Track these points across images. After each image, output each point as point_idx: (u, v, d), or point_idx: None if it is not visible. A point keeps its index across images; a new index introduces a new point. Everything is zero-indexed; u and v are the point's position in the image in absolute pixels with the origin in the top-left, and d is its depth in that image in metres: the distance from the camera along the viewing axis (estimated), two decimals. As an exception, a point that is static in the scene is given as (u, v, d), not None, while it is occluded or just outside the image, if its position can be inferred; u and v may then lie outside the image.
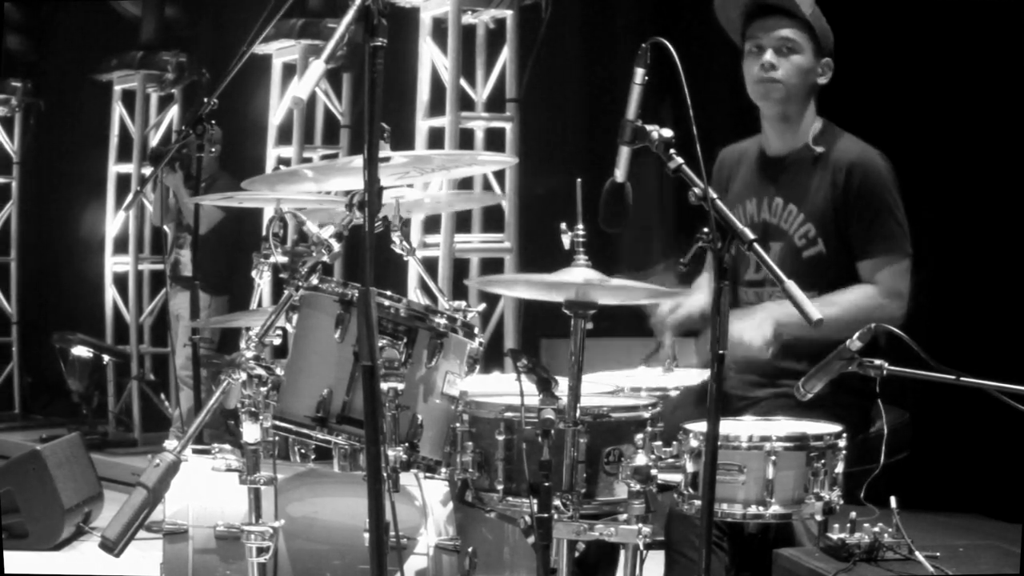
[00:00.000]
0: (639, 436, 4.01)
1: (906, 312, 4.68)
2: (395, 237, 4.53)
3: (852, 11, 6.63)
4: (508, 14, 8.60)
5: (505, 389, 4.15)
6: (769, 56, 4.80)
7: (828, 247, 4.74)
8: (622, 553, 4.15)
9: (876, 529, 4.06)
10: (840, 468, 4.04)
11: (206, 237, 8.65)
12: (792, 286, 3.64)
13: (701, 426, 3.86)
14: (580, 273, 4.02)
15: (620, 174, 3.97)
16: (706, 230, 3.62)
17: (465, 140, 8.55)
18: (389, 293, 4.13)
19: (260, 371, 4.01)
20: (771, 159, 4.94)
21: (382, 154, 4.01)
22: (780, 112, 4.88)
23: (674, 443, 4.09)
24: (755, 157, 5.00)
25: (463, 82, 8.57)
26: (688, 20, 5.05)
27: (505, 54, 8.66)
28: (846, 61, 4.94)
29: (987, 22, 7.01)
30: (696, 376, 4.95)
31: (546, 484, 3.83)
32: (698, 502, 3.93)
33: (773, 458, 3.93)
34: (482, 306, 4.53)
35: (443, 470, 4.21)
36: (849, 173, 4.72)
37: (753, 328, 4.57)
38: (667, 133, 3.83)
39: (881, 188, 4.73)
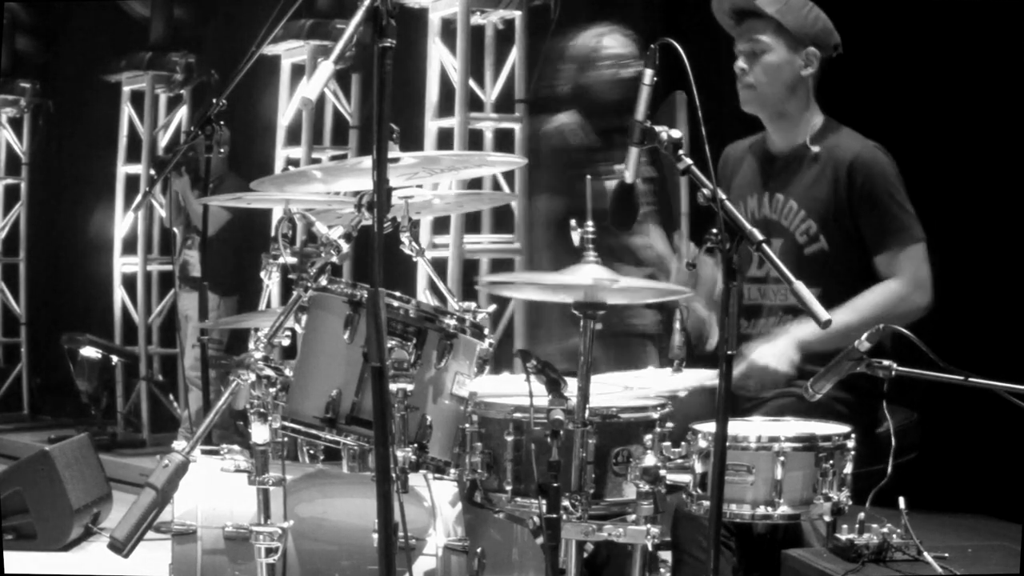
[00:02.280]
0: (648, 437, 4.01)
1: (931, 299, 4.70)
2: (404, 238, 4.53)
3: (854, 9, 6.62)
4: (517, 15, 8.60)
5: (514, 390, 4.15)
6: (740, 62, 4.86)
7: (830, 243, 4.75)
8: (634, 554, 4.14)
9: (885, 530, 4.06)
10: (849, 469, 4.04)
11: (214, 238, 8.67)
12: (800, 287, 3.64)
13: (710, 427, 3.86)
14: (590, 271, 4.02)
15: (629, 175, 3.97)
16: (715, 230, 3.63)
17: (474, 141, 8.55)
18: (398, 294, 4.13)
19: (269, 372, 4.01)
20: (772, 155, 4.96)
21: (391, 155, 4.01)
22: (768, 114, 4.91)
23: (682, 444, 4.09)
24: (758, 154, 5.02)
25: (472, 83, 8.56)
26: (697, 20, 5.05)
27: (514, 55, 8.66)
28: (850, 60, 4.95)
29: (988, 19, 7.00)
30: (705, 377, 4.95)
31: (555, 485, 3.83)
32: (707, 503, 3.93)
33: (782, 459, 3.93)
34: (492, 307, 4.53)
35: (452, 471, 4.21)
36: (851, 171, 4.73)
37: (778, 355, 4.59)
38: (676, 134, 3.83)
39: (884, 182, 4.74)
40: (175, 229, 10.10)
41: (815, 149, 4.80)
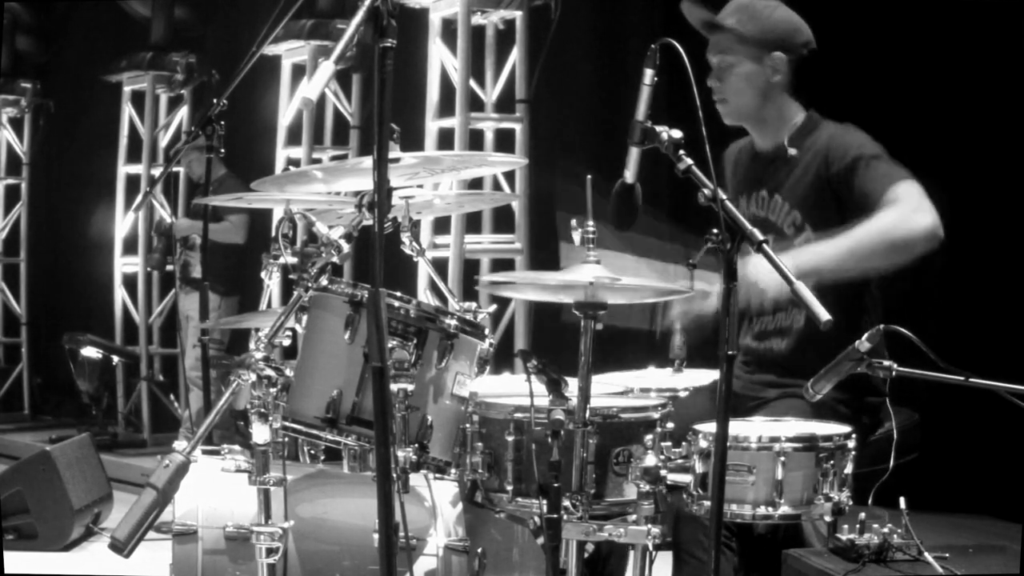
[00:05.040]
0: (648, 437, 4.01)
1: (939, 226, 4.50)
2: (405, 238, 4.53)
3: (856, 10, 6.63)
4: (517, 15, 8.60)
5: (515, 390, 4.15)
6: (712, 77, 4.83)
7: (817, 232, 4.71)
8: (631, 554, 4.14)
9: (885, 530, 4.06)
10: (849, 469, 4.04)
11: (215, 240, 8.70)
12: (801, 286, 3.64)
13: (710, 427, 3.86)
14: (590, 270, 4.02)
15: (630, 175, 3.97)
16: (715, 231, 3.63)
17: (475, 141, 8.55)
18: (399, 294, 4.13)
19: (270, 372, 4.01)
20: (758, 154, 4.95)
21: (392, 155, 4.01)
22: (748, 123, 4.90)
23: (683, 444, 4.09)
24: (748, 153, 5.02)
25: (473, 83, 8.56)
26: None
27: (515, 55, 8.66)
28: (850, 60, 4.93)
29: (987, 21, 7.01)
30: (706, 377, 4.96)
31: (555, 485, 3.83)
32: (707, 503, 3.93)
33: (782, 459, 3.93)
34: (493, 307, 4.53)
35: (452, 471, 4.22)
36: (826, 156, 4.69)
37: (772, 277, 4.48)
38: (676, 134, 3.83)
39: (857, 149, 4.65)
40: (175, 232, 10.12)
41: (792, 152, 4.79)
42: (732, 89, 4.82)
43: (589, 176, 4.13)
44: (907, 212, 4.49)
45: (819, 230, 4.68)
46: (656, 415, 4.13)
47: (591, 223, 4.08)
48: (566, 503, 3.92)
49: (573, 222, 4.10)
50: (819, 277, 4.36)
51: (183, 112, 11.50)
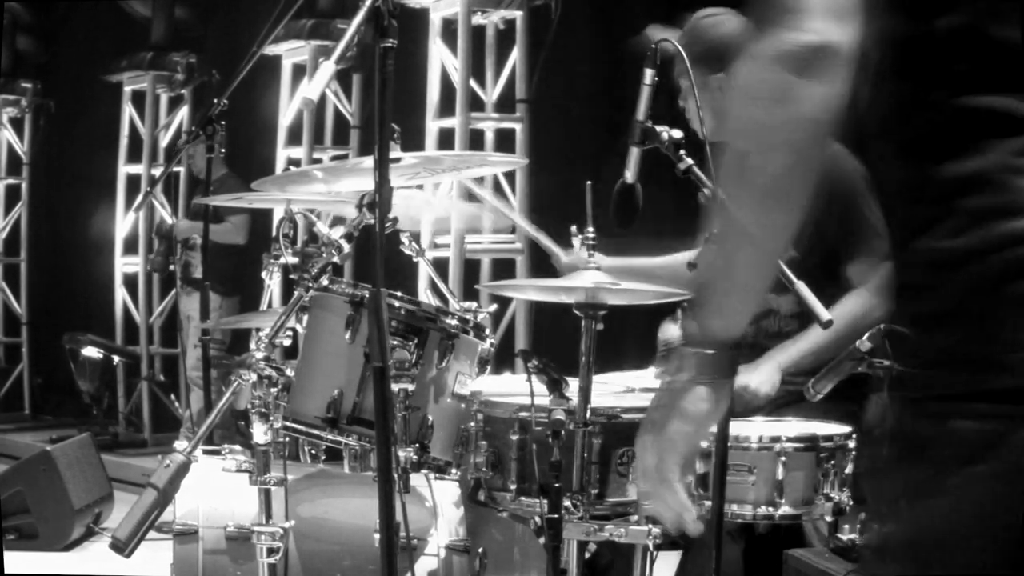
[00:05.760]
0: (650, 437, 4.00)
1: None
2: (405, 238, 4.53)
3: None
4: (518, 15, 8.60)
5: (517, 390, 4.15)
6: (680, 99, 4.81)
7: (798, 249, 4.67)
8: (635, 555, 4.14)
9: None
10: (850, 469, 4.04)
11: (216, 240, 8.70)
12: (802, 287, 3.64)
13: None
14: (590, 276, 4.02)
15: (630, 175, 3.97)
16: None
17: (475, 141, 8.56)
18: (400, 294, 4.13)
19: (270, 372, 4.01)
20: None
21: (392, 155, 4.01)
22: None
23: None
24: None
25: (473, 83, 8.57)
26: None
27: (515, 55, 8.67)
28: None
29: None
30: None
31: (556, 485, 3.83)
32: (708, 503, 3.93)
33: (783, 459, 3.92)
34: (493, 307, 4.53)
35: (453, 471, 4.21)
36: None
37: (760, 379, 4.56)
38: (677, 134, 3.83)
39: (853, 191, 4.64)
40: (175, 235, 10.13)
41: None
42: (691, 112, 4.72)
43: (589, 183, 4.14)
44: (876, 301, 4.57)
45: (802, 249, 4.67)
46: (657, 415, 4.13)
47: (591, 229, 4.09)
48: (567, 503, 3.92)
49: (573, 228, 4.11)
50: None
51: (183, 112, 11.51)
